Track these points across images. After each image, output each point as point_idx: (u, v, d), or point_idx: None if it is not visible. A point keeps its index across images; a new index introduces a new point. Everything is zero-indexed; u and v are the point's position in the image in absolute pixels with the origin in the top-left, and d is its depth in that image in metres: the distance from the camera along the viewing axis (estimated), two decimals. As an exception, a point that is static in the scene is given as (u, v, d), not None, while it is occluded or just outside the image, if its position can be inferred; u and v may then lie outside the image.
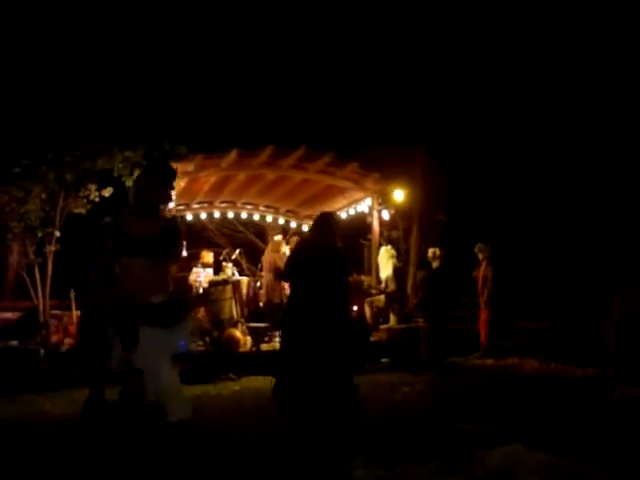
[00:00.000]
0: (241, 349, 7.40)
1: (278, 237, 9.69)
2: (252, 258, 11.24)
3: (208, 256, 9.50)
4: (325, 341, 4.46)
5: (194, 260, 9.80)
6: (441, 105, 11.17)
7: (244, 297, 8.97)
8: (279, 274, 8.08)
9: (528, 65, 12.11)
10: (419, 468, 3.12)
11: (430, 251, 8.77)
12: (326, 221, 5.11)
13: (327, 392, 4.40)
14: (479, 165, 12.39)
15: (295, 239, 9.17)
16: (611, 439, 3.76)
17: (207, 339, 7.75)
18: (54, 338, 7.32)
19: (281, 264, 8.86)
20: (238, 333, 7.52)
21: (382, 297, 8.79)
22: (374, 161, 9.41)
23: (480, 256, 8.68)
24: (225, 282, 8.39)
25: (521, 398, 5.29)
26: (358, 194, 9.80)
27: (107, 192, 8.41)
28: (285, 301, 6.04)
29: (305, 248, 5.12)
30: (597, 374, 6.47)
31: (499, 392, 5.65)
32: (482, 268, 8.62)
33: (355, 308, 8.46)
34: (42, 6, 7.66)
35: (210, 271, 9.33)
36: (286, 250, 9.30)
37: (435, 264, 8.54)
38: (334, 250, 4.92)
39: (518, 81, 12.29)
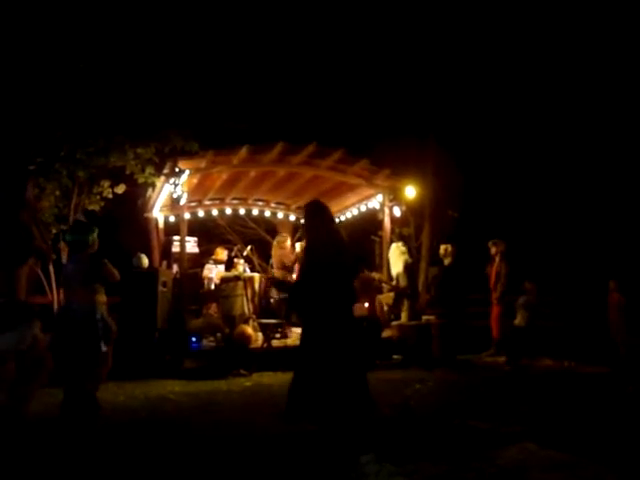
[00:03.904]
0: (252, 345, 7.41)
1: (282, 236, 9.75)
2: (263, 255, 11.26)
3: (222, 253, 9.53)
4: (337, 342, 4.23)
5: (206, 256, 9.87)
6: (452, 98, 11.05)
7: (255, 293, 8.99)
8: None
9: (544, 57, 11.95)
10: (431, 465, 3.11)
11: (442, 248, 8.72)
12: (319, 210, 4.36)
13: (341, 391, 4.20)
14: (491, 159, 12.28)
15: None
16: (624, 437, 3.73)
17: (218, 335, 7.79)
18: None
19: (286, 261, 8.97)
20: (249, 329, 7.54)
21: (393, 294, 8.77)
22: (385, 156, 9.36)
23: (493, 251, 8.57)
24: (237, 278, 8.41)
25: (534, 396, 5.26)
26: (369, 190, 9.76)
27: (120, 189, 8.47)
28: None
29: (316, 253, 4.27)
30: (610, 372, 6.42)
31: (512, 390, 5.63)
32: (495, 264, 8.53)
33: (366, 305, 8.44)
34: (51, 2, 7.68)
35: (222, 267, 9.37)
36: (289, 246, 9.42)
37: (447, 261, 8.49)
38: (342, 246, 4.30)
39: (533, 73, 12.14)
